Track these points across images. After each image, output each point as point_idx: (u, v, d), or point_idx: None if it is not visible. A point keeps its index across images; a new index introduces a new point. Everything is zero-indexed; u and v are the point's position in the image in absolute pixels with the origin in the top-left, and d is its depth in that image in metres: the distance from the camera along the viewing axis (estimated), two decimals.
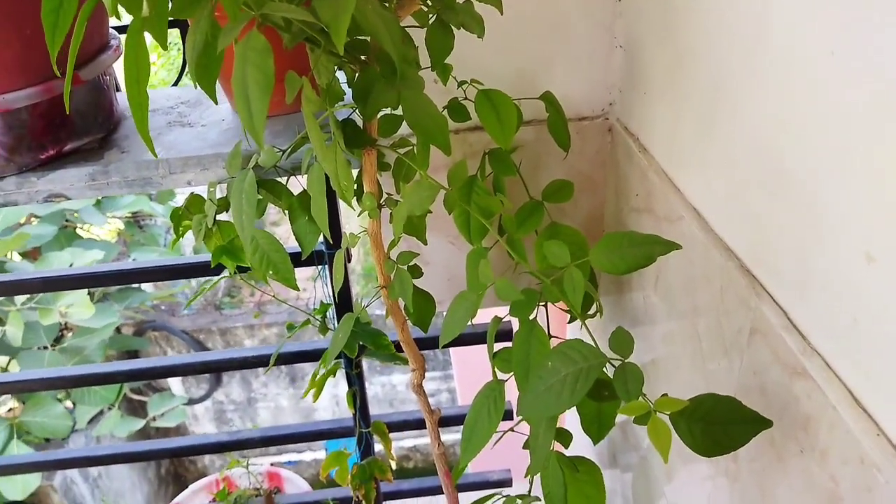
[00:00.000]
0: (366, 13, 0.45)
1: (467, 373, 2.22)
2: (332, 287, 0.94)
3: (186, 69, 1.02)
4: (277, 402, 4.34)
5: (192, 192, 0.79)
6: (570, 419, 0.61)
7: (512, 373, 0.64)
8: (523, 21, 0.69)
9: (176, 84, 0.95)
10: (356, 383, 0.98)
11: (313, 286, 0.95)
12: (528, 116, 0.75)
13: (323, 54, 0.51)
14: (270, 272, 0.73)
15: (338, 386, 4.08)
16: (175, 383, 4.00)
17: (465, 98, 0.66)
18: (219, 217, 0.75)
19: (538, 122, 0.75)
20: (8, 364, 2.14)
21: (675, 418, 0.42)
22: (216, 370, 1.04)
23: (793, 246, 0.44)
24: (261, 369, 4.20)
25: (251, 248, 0.68)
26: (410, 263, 0.58)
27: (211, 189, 0.73)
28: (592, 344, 0.47)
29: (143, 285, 2.94)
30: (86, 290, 2.09)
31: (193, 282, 3.62)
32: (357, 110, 0.53)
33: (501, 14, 0.55)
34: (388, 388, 4.24)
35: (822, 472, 0.41)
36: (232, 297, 4.42)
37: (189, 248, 3.41)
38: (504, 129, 0.60)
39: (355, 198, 0.59)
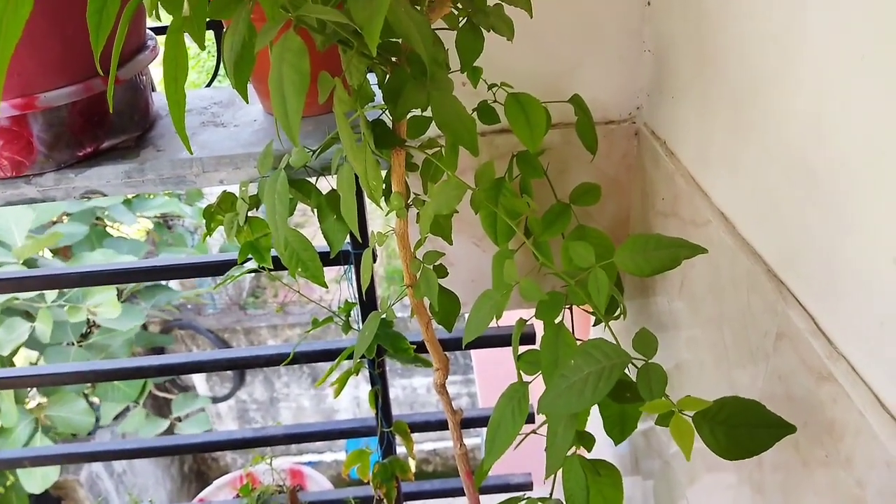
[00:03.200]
0: (398, 15, 0.46)
1: (489, 376, 2.22)
2: (359, 285, 0.95)
3: (219, 71, 1.05)
4: (299, 403, 4.38)
5: (224, 190, 0.80)
6: (593, 424, 0.62)
7: (535, 375, 0.65)
8: (552, 24, 0.70)
9: (209, 85, 0.98)
10: (378, 382, 0.98)
11: (338, 287, 0.96)
12: (555, 119, 0.75)
13: (355, 56, 0.52)
14: (300, 269, 0.75)
15: (359, 387, 4.10)
16: (200, 382, 4.06)
17: (495, 101, 0.66)
18: (249, 214, 0.77)
19: (565, 126, 0.75)
20: (37, 360, 2.20)
21: (698, 420, 0.42)
22: (240, 367, 1.06)
23: (821, 250, 0.44)
24: (283, 370, 4.24)
25: (283, 245, 0.70)
26: (436, 263, 0.59)
27: (243, 188, 0.75)
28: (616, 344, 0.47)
29: (171, 284, 2.99)
30: (114, 290, 2.14)
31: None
32: (387, 111, 0.54)
33: (531, 17, 0.56)
34: (409, 390, 4.26)
35: (849, 477, 0.40)
36: (256, 297, 4.48)
37: (216, 250, 3.46)
38: (533, 133, 0.61)
39: (383, 198, 0.60)
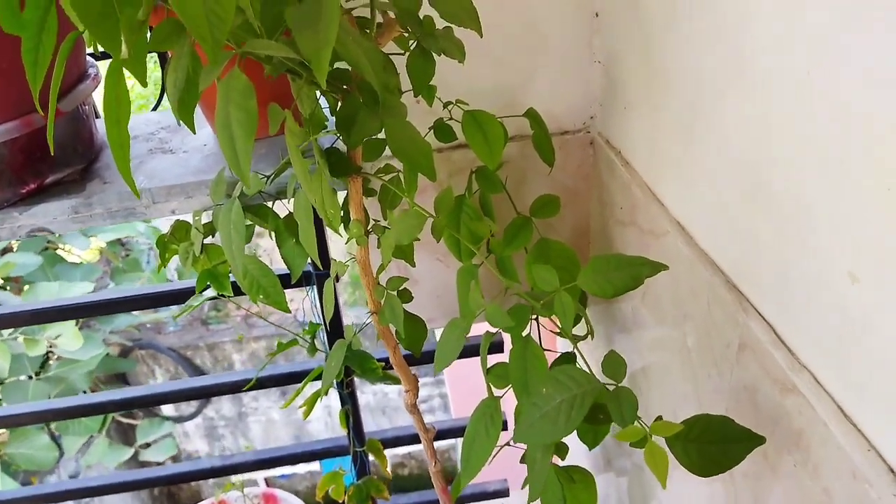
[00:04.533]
0: (346, 44, 0.45)
1: (459, 382, 2.22)
2: (323, 314, 0.94)
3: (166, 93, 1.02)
4: (269, 416, 4.31)
5: (177, 219, 0.78)
6: None
7: (506, 388, 0.65)
8: (502, 38, 0.70)
9: (155, 109, 0.95)
10: (348, 402, 0.97)
11: (301, 300, 0.94)
12: (511, 132, 0.75)
13: (305, 84, 0.51)
14: (261, 296, 0.73)
15: (330, 396, 4.06)
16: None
17: (451, 118, 0.66)
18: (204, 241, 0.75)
19: (521, 138, 0.75)
20: None
21: (671, 440, 0.42)
22: (205, 396, 1.03)
23: (777, 263, 0.44)
24: None
25: (242, 275, 0.68)
26: (400, 288, 0.58)
27: (196, 217, 0.73)
28: (585, 366, 0.47)
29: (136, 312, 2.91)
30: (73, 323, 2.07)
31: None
32: (340, 138, 0.53)
33: (481, 37, 0.55)
34: (381, 396, 4.23)
35: (816, 485, 0.41)
36: (218, 311, 4.39)
37: (173, 268, 3.38)
38: (492, 150, 0.61)
39: (342, 225, 0.59)
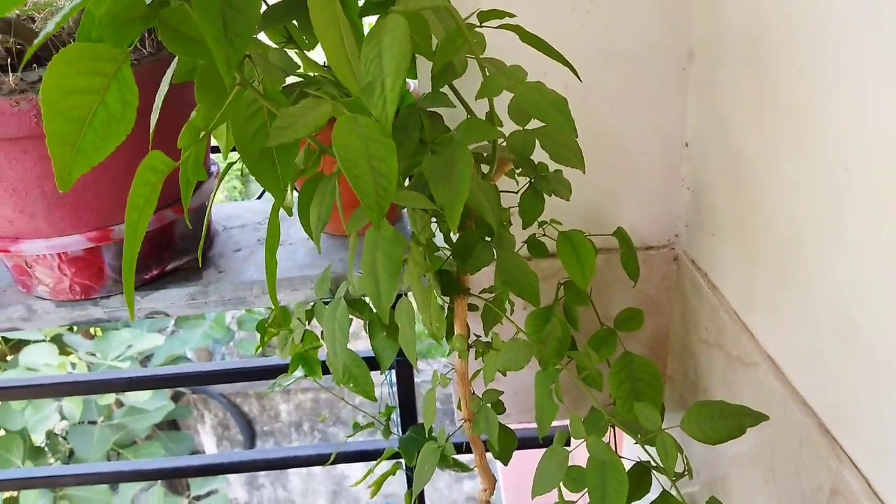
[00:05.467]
0: (473, 192, 0.50)
1: (513, 476, 2.19)
2: (400, 393, 0.98)
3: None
4: (309, 468, 4.33)
5: (279, 307, 0.84)
6: None
7: (581, 492, 0.67)
8: (596, 162, 0.74)
9: (260, 197, 1.02)
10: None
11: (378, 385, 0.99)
12: (598, 243, 0.79)
13: (420, 213, 0.56)
14: (351, 385, 0.78)
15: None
16: (210, 445, 4.03)
17: (544, 234, 0.70)
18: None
19: (607, 251, 0.79)
20: (64, 433, 2.21)
21: None
22: (279, 467, 1.07)
23: (874, 415, 0.46)
24: (294, 433, 4.21)
25: (341, 371, 0.73)
26: (495, 401, 0.62)
27: (299, 310, 0.79)
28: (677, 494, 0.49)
29: (189, 354, 3.01)
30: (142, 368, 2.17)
31: (231, 343, 3.71)
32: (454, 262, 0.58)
33: (584, 173, 0.60)
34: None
35: None
36: (265, 356, 4.49)
37: (231, 316, 3.49)
38: (584, 272, 0.64)
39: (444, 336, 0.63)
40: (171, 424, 3.25)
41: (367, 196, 0.39)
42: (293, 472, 4.32)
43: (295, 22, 0.63)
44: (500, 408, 0.63)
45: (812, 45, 0.48)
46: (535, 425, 0.76)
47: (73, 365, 2.36)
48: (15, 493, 2.06)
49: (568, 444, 1.00)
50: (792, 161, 0.53)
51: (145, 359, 2.61)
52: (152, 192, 0.42)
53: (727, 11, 0.61)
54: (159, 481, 2.44)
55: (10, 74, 0.63)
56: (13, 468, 2.13)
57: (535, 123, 0.57)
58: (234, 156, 0.55)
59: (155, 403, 2.17)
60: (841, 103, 0.46)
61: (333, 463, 0.99)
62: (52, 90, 0.42)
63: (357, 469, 4.37)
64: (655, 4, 0.67)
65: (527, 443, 0.97)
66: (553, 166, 0.60)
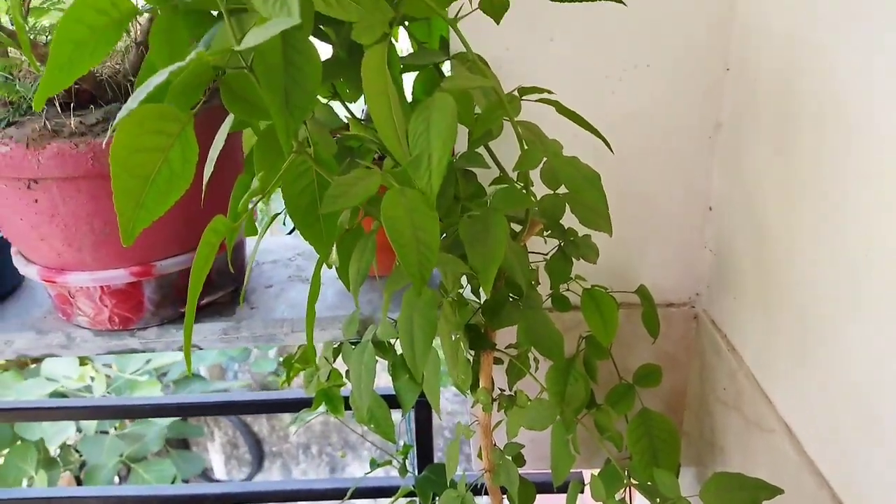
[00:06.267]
0: (507, 256, 0.53)
1: None
2: (417, 432, 1.00)
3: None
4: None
5: (301, 345, 0.87)
6: None
7: None
8: (621, 223, 0.76)
9: (290, 233, 1.05)
10: None
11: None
12: (618, 298, 0.81)
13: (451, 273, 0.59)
14: (372, 425, 0.80)
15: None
16: (218, 466, 4.04)
17: (568, 290, 0.72)
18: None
19: (628, 306, 0.81)
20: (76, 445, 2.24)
21: None
22: (294, 500, 1.09)
23: (889, 494, 0.47)
24: (302, 456, 4.21)
25: (365, 412, 0.75)
26: (516, 454, 0.64)
27: (326, 349, 0.81)
28: None
29: (203, 373, 3.04)
30: (158, 384, 2.20)
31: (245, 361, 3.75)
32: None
33: (611, 236, 0.62)
34: None
35: None
36: (278, 375, 4.51)
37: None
38: (607, 329, 0.66)
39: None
40: (181, 441, 3.27)
41: (411, 265, 0.41)
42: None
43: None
44: (520, 461, 0.64)
45: (842, 127, 0.50)
46: (549, 470, 0.78)
47: (92, 378, 2.40)
48: None
49: (582, 491, 1.01)
50: (813, 239, 0.55)
51: (161, 375, 2.65)
52: (212, 251, 0.45)
53: (758, 86, 0.63)
54: None
55: (72, 117, 0.67)
56: (26, 479, 2.17)
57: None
58: (277, 207, 0.58)
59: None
60: (866, 187, 0.48)
61: (350, 499, 1.00)
62: (120, 148, 0.45)
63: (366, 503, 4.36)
64: (686, 76, 0.70)
65: (542, 488, 0.98)
66: (581, 229, 0.62)
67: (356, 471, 3.85)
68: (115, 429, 2.40)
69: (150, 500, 1.12)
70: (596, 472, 0.69)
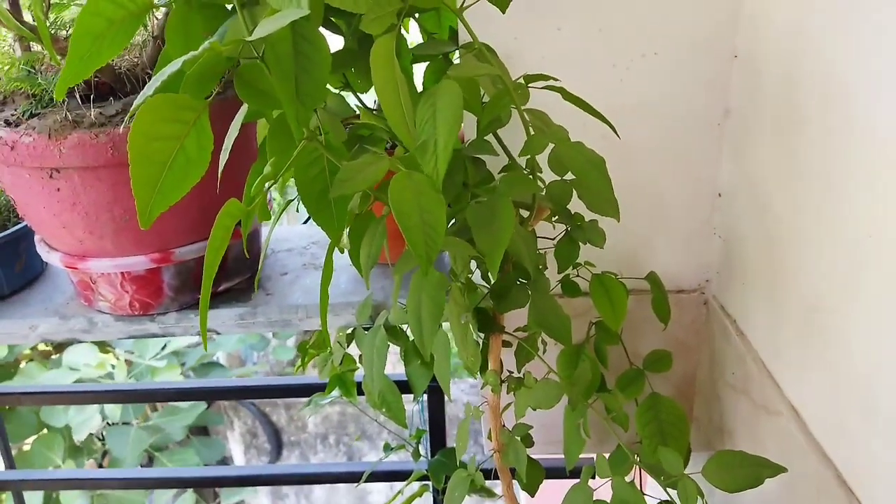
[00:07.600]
0: (514, 239, 0.54)
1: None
2: (431, 419, 1.01)
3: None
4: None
5: (318, 331, 0.89)
6: None
7: None
8: (630, 209, 0.77)
9: (306, 222, 1.07)
10: None
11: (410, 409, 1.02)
12: (629, 285, 0.81)
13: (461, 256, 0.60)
14: (383, 410, 0.82)
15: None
16: (237, 454, 4.10)
17: (577, 275, 0.73)
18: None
19: (638, 293, 0.82)
20: (101, 434, 2.29)
21: None
22: (313, 482, 1.11)
23: (888, 475, 0.48)
24: (320, 446, 4.26)
25: (376, 395, 0.77)
26: (525, 434, 0.65)
27: (340, 334, 0.83)
28: None
29: (222, 360, 3.09)
30: (178, 370, 2.25)
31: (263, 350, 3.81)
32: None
33: (618, 221, 0.63)
34: None
35: None
36: (294, 365, 4.56)
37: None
38: (616, 314, 0.67)
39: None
40: (202, 430, 3.32)
41: (417, 246, 0.43)
42: (317, 485, 4.37)
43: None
44: (528, 441, 0.65)
45: (845, 114, 0.51)
46: (561, 456, 0.79)
47: (113, 366, 2.45)
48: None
49: (594, 476, 1.02)
50: (817, 224, 0.55)
51: (180, 364, 2.70)
52: (226, 234, 0.46)
53: (763, 75, 0.64)
54: (190, 489, 2.51)
55: (92, 109, 0.69)
56: (53, 467, 2.22)
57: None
58: (290, 193, 0.59)
59: (192, 405, 2.24)
60: (868, 173, 0.49)
61: (365, 482, 1.02)
62: (138, 136, 0.47)
63: (380, 486, 4.40)
64: (694, 64, 0.70)
65: (553, 473, 0.99)
66: (589, 215, 0.63)
67: (373, 460, 3.88)
68: (138, 420, 2.45)
69: (172, 482, 1.15)
70: (607, 456, 0.70)
